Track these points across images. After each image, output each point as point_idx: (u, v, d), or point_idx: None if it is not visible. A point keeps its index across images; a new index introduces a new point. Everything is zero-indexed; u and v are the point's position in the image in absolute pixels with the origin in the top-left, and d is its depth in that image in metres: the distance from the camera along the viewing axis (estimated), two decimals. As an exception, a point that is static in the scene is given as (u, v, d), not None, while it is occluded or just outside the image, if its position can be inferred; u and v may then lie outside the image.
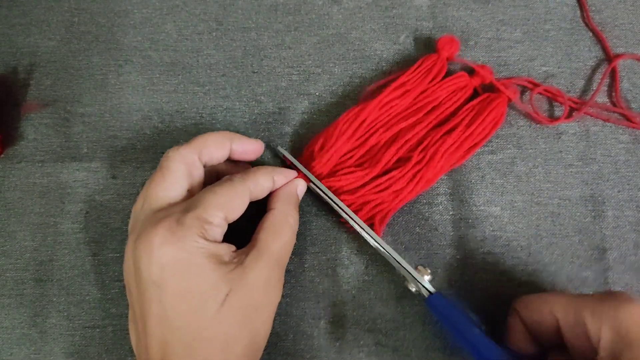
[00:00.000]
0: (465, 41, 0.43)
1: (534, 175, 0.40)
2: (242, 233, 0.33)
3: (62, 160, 0.40)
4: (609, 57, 0.43)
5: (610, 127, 0.41)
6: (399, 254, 0.35)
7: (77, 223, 0.39)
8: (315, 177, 0.37)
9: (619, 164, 0.40)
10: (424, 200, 0.39)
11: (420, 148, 0.38)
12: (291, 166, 0.38)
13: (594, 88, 0.42)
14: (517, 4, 0.44)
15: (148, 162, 0.40)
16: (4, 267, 0.38)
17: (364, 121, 0.38)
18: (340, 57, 0.43)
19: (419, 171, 0.37)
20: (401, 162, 0.38)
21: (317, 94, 0.42)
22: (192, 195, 0.33)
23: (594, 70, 0.43)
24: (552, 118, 0.41)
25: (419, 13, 0.44)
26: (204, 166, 0.34)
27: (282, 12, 0.44)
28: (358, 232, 0.36)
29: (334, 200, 0.36)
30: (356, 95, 0.41)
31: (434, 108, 0.40)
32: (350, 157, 0.38)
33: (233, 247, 0.31)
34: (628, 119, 0.41)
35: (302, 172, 0.37)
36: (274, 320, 0.32)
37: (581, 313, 0.28)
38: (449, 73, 0.41)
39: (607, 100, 0.42)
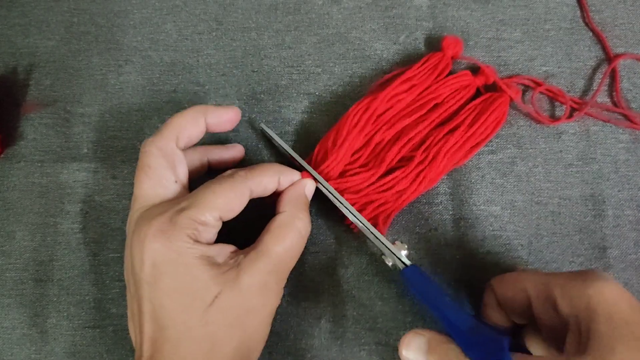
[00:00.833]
0: (465, 41, 0.43)
1: (534, 174, 0.40)
2: (248, 232, 0.33)
3: (62, 160, 0.40)
4: (609, 57, 0.43)
5: (610, 126, 0.41)
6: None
7: (77, 223, 0.39)
8: (329, 174, 0.37)
9: (619, 163, 0.40)
10: (424, 200, 0.39)
11: (423, 147, 0.38)
12: (291, 161, 0.37)
13: (594, 88, 0.42)
14: (517, 4, 0.44)
15: (148, 162, 0.40)
16: (3, 267, 0.38)
17: (374, 113, 0.38)
18: (340, 56, 0.43)
19: (421, 171, 0.37)
20: (404, 161, 0.38)
21: (317, 93, 0.42)
22: (182, 183, 0.32)
23: (594, 70, 0.43)
24: (553, 118, 0.41)
25: (419, 13, 0.44)
26: (185, 148, 0.33)
27: (282, 11, 0.44)
28: (358, 232, 0.36)
29: (324, 185, 0.36)
30: (356, 95, 0.41)
31: (436, 106, 0.40)
32: (359, 158, 0.38)
33: (232, 248, 0.31)
34: (628, 119, 0.41)
35: (304, 167, 0.36)
36: (275, 320, 0.32)
37: (552, 290, 0.28)
38: (452, 73, 0.41)
39: (608, 100, 0.42)
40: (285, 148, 0.38)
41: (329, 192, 0.36)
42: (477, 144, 0.39)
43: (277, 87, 0.42)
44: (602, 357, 0.24)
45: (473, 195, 0.39)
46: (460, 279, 0.38)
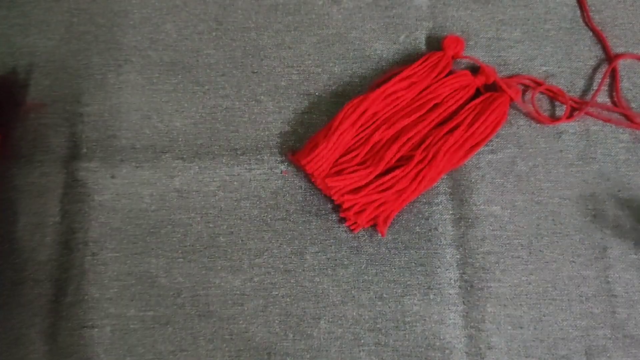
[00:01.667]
0: (465, 41, 0.43)
1: (534, 174, 0.40)
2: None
3: (62, 160, 0.40)
4: (609, 57, 0.43)
5: (611, 126, 0.41)
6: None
7: (77, 223, 0.39)
8: (320, 163, 0.37)
9: (619, 163, 0.40)
10: (424, 200, 0.39)
11: (422, 147, 0.38)
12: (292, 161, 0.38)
13: (594, 88, 0.42)
14: (517, 4, 0.44)
15: (147, 161, 0.40)
16: (3, 267, 0.38)
17: (369, 106, 0.38)
18: (340, 56, 0.43)
19: (421, 170, 0.37)
20: (403, 160, 0.38)
21: (317, 93, 0.42)
22: None
23: (594, 70, 0.43)
24: (553, 118, 0.41)
25: (418, 13, 0.44)
26: None
27: (282, 12, 0.44)
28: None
29: None
30: (356, 95, 0.41)
31: (436, 105, 0.39)
32: (356, 156, 0.38)
33: None
34: (629, 119, 0.41)
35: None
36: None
37: None
38: (452, 73, 0.41)
39: (608, 100, 0.42)
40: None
41: None
42: (477, 144, 0.39)
43: (276, 88, 0.42)
44: None
45: (473, 195, 0.39)
46: (461, 278, 0.37)
